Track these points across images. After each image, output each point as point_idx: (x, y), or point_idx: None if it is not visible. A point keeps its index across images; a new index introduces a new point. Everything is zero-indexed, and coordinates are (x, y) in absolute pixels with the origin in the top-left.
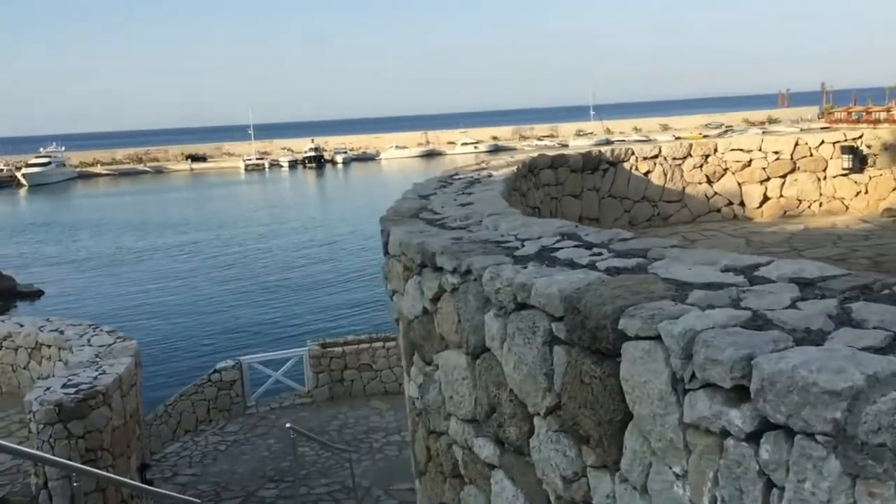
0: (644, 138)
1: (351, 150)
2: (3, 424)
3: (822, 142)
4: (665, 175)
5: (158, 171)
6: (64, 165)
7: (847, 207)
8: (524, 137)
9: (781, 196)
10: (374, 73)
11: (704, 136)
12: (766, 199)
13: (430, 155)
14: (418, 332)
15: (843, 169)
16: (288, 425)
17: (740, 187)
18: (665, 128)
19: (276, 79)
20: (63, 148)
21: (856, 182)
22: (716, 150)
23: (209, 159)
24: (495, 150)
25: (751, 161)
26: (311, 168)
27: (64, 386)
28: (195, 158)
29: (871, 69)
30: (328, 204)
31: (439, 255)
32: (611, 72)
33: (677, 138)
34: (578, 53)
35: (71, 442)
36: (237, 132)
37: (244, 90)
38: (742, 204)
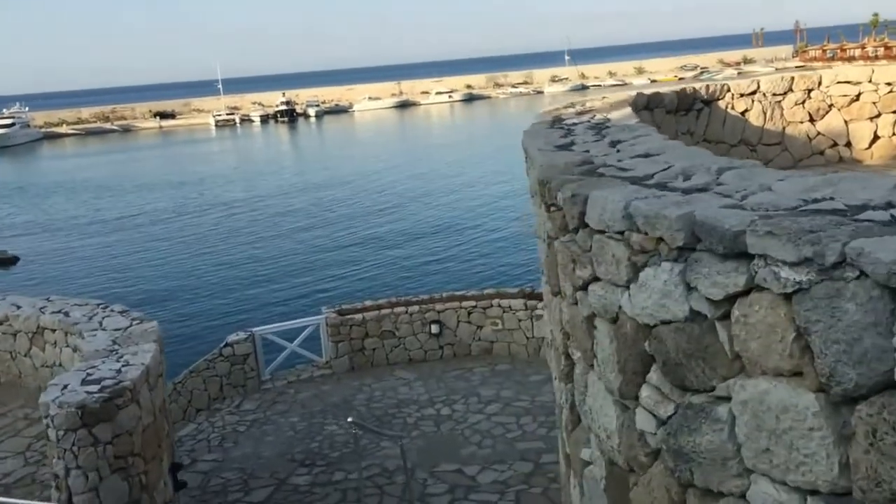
0: (619, 82)
1: (323, 102)
2: (7, 422)
3: None
4: (764, 114)
5: (126, 130)
6: (28, 126)
7: None
8: (498, 85)
9: (894, 134)
10: (343, 24)
11: (680, 79)
12: (876, 138)
13: (404, 105)
14: (673, 343)
15: None
16: (350, 419)
17: (847, 125)
18: (640, 71)
19: (244, 31)
20: (27, 108)
21: None
22: (820, 84)
23: (178, 116)
24: (469, 99)
25: (859, 95)
26: (283, 122)
27: (84, 382)
28: (163, 116)
29: (844, 7)
30: (310, 160)
31: (760, 235)
32: (584, 15)
33: (653, 81)
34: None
35: (98, 449)
36: (205, 87)
37: (211, 44)
38: (848, 144)
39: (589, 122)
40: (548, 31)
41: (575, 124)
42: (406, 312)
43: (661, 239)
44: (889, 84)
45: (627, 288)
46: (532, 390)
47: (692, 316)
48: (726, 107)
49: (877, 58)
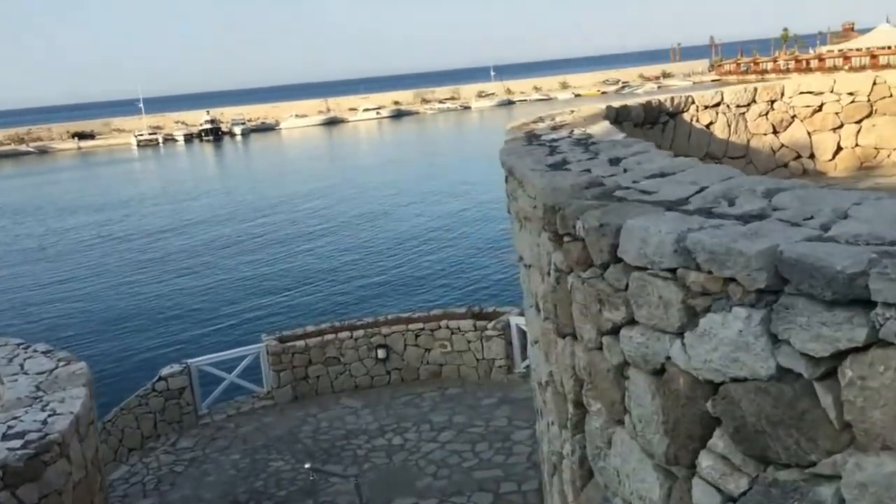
0: (544, 97)
1: (249, 120)
2: None
3: None
4: (729, 126)
5: (43, 151)
6: None
7: None
8: (426, 101)
9: (857, 145)
10: (267, 41)
11: (603, 93)
12: (839, 149)
13: (332, 123)
14: (752, 407)
15: None
16: (307, 465)
17: (810, 137)
18: (564, 86)
19: (166, 49)
20: None
21: None
22: (783, 95)
23: (98, 136)
24: (398, 115)
25: (822, 105)
26: (208, 141)
27: (5, 437)
28: (82, 136)
29: (756, 22)
30: (239, 181)
31: (892, 279)
32: (510, 32)
33: (577, 95)
34: (478, 14)
35: None
36: (126, 107)
37: (131, 62)
38: (812, 156)
39: (569, 137)
40: (473, 47)
41: (556, 140)
42: (351, 337)
43: (730, 279)
44: (851, 94)
45: (680, 336)
46: (485, 415)
47: (780, 374)
48: (691, 119)
49: (788, 70)
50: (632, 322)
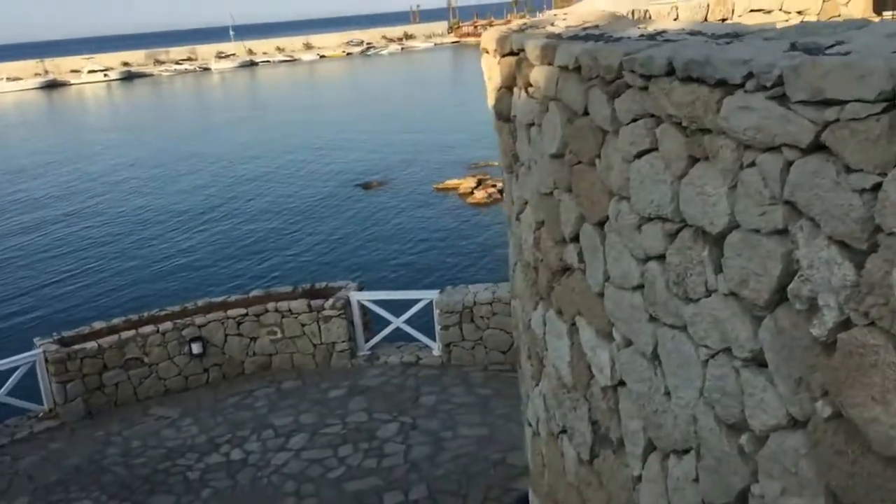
0: (289, 58)
1: None
2: None
3: None
4: None
5: None
6: None
7: None
8: (160, 62)
9: None
10: None
11: (348, 54)
12: None
13: (52, 86)
14: None
15: None
16: None
17: None
18: (308, 46)
19: None
20: None
21: None
22: (733, 13)
23: None
24: (129, 77)
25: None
26: None
27: None
28: None
29: None
30: None
31: None
32: None
33: (322, 56)
34: None
35: None
36: None
37: None
38: None
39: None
40: (209, 6)
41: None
42: (157, 332)
43: None
44: (800, 13)
45: None
46: (338, 410)
47: None
48: None
49: None
50: None
